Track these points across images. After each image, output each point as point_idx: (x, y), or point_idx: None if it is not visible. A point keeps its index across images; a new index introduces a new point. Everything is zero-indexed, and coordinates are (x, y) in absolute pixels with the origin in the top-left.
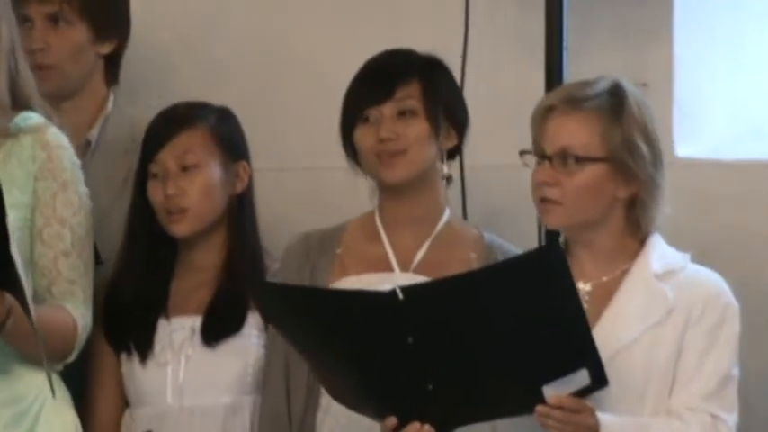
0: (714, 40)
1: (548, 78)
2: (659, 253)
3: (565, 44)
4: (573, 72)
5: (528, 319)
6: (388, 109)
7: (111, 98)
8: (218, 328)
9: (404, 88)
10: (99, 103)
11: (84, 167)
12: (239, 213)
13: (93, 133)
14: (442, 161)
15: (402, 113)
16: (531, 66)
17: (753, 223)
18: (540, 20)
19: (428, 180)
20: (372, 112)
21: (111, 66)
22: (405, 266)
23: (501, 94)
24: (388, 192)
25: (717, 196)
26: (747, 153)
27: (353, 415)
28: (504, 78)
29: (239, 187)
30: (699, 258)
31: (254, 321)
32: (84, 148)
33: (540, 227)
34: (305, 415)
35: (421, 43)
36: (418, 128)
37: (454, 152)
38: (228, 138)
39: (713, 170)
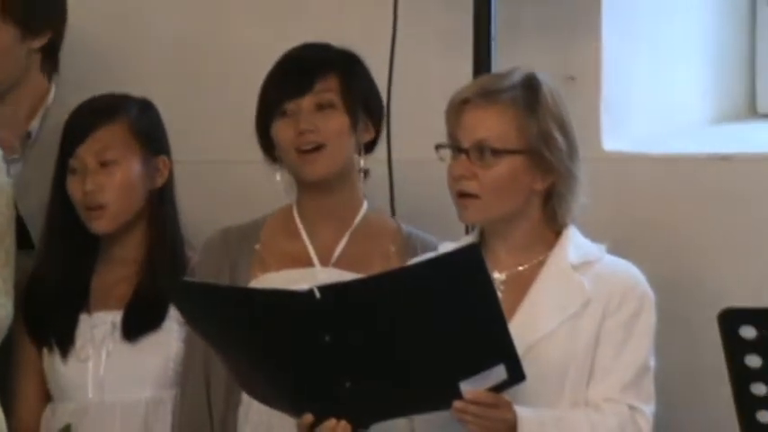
0: (642, 34)
1: (476, 73)
2: (576, 244)
3: (493, 38)
4: (501, 66)
5: (445, 317)
6: (306, 102)
7: (53, 90)
8: (138, 324)
9: (322, 81)
10: (40, 95)
11: (25, 158)
12: (160, 208)
13: (34, 125)
14: (360, 155)
15: (321, 106)
16: (459, 60)
17: (676, 216)
18: (469, 14)
19: (346, 174)
20: (290, 106)
21: (49, 57)
22: (325, 261)
23: (429, 88)
24: (306, 186)
25: (643, 190)
26: (673, 147)
27: (274, 412)
28: (432, 73)
29: (159, 181)
30: (624, 250)
31: (175, 316)
32: (24, 140)
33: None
34: (226, 411)
35: (349, 38)
36: (337, 121)
37: (371, 145)
38: (148, 132)
39: (639, 164)
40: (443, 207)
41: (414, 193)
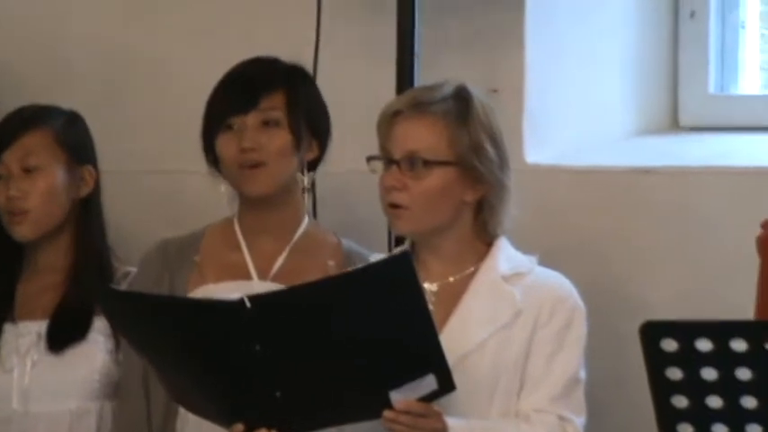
0: (565, 48)
1: (399, 85)
2: (506, 255)
3: (416, 51)
4: (424, 79)
5: (376, 327)
6: (251, 119)
7: None
8: (63, 334)
9: (268, 98)
10: None
11: None
12: (85, 217)
13: None
14: (303, 173)
15: (266, 123)
16: (382, 73)
17: (599, 229)
18: (392, 26)
19: (288, 190)
20: (236, 121)
21: None
22: (263, 275)
23: (352, 100)
24: (248, 200)
25: (565, 202)
26: (595, 160)
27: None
28: (355, 85)
29: (85, 191)
30: (548, 263)
31: (100, 326)
32: None
33: (390, 233)
34: (165, 422)
35: (272, 48)
36: (281, 139)
37: (315, 164)
38: (74, 141)
39: (562, 176)
40: (366, 220)
41: (336, 206)
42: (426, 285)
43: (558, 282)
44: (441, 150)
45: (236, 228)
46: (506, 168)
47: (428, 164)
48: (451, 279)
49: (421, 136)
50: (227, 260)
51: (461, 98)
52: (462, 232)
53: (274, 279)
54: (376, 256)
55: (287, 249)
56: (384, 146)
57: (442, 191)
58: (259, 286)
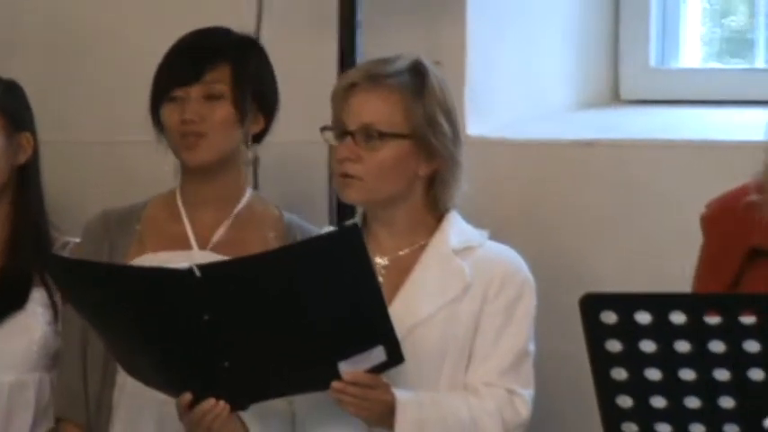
0: (507, 20)
1: (341, 56)
2: (457, 230)
3: (358, 21)
4: (366, 51)
5: (325, 297)
6: (195, 91)
7: None
8: (1, 306)
9: (213, 72)
10: None
11: None
12: (23, 185)
13: None
14: (248, 145)
15: (209, 97)
16: (324, 44)
17: (540, 201)
18: None
19: (231, 162)
20: (179, 92)
21: None
22: (203, 245)
23: (294, 71)
24: (190, 171)
25: (506, 175)
26: (536, 133)
27: (149, 393)
28: (297, 56)
29: (22, 158)
30: (491, 235)
31: (38, 298)
32: None
33: (331, 205)
34: (101, 393)
35: (217, 18)
36: (223, 112)
37: (260, 136)
38: (12, 108)
39: (503, 149)
40: (307, 191)
41: (278, 176)
42: (377, 259)
43: (508, 256)
44: (396, 123)
45: (178, 198)
46: (459, 143)
47: (383, 136)
48: (402, 253)
49: (376, 108)
50: (168, 230)
51: (417, 72)
52: (414, 206)
53: (214, 249)
54: (319, 230)
55: (228, 220)
56: (338, 117)
57: (396, 163)
58: (199, 256)
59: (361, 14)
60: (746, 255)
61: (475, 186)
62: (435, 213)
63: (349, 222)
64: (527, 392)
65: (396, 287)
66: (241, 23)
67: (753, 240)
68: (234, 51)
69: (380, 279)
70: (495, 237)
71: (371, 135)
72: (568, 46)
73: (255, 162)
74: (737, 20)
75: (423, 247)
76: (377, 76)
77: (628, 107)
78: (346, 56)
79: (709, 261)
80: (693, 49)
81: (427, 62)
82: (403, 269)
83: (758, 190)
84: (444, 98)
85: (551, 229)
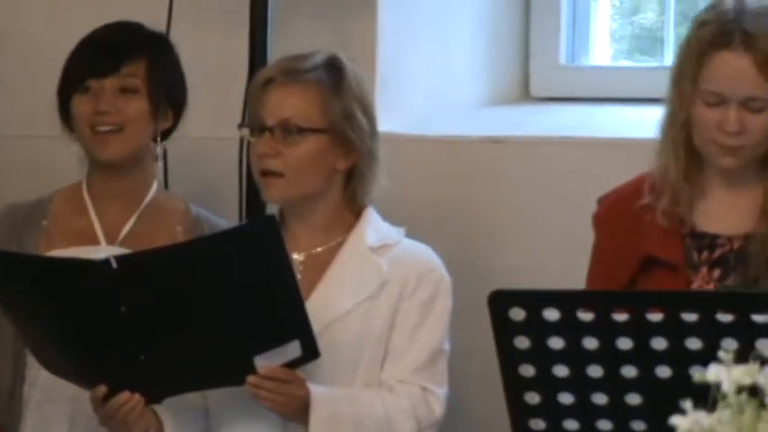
0: (418, 16)
1: (251, 53)
2: (374, 227)
3: (269, 18)
4: (277, 47)
5: (241, 291)
6: (109, 83)
7: None
8: None
9: (129, 65)
10: None
11: None
12: None
13: None
14: (156, 141)
15: (123, 90)
16: (235, 40)
17: (451, 198)
18: None
19: (139, 157)
20: (93, 84)
21: None
22: (111, 239)
23: (205, 67)
24: (98, 165)
25: (417, 171)
26: (447, 129)
27: (61, 388)
28: (208, 52)
29: None
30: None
31: None
32: None
33: (241, 201)
34: (13, 387)
35: (127, 13)
36: (138, 106)
37: (168, 132)
38: None
39: (414, 145)
40: (217, 186)
41: (188, 172)
42: (294, 255)
43: (424, 254)
44: (314, 118)
45: (85, 192)
46: (376, 138)
47: (302, 131)
48: (319, 249)
49: (294, 103)
50: (75, 225)
51: (334, 67)
52: (332, 201)
53: (122, 244)
54: (227, 223)
55: (135, 215)
56: (256, 113)
57: (315, 158)
58: (107, 251)
59: (272, 11)
60: (640, 262)
61: (386, 183)
62: (353, 209)
63: (266, 214)
64: (441, 390)
65: (313, 283)
66: (151, 19)
67: (647, 247)
68: (149, 46)
69: (298, 275)
70: (406, 233)
71: (290, 130)
72: (479, 43)
73: (164, 156)
74: (647, 17)
75: (340, 244)
76: (294, 72)
77: (538, 104)
78: (257, 53)
79: (601, 264)
80: (603, 47)
81: (343, 57)
82: (320, 265)
83: (651, 191)
84: (361, 93)
85: (462, 225)
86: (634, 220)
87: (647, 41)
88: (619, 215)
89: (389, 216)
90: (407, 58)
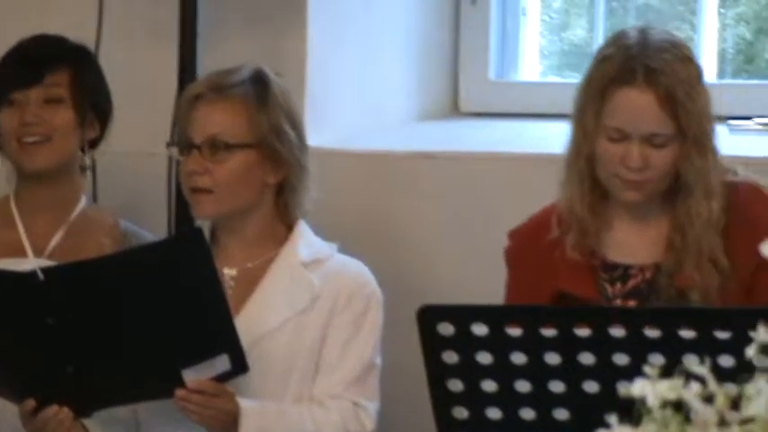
0: (348, 31)
1: (181, 66)
2: (306, 242)
3: (199, 33)
4: (207, 61)
5: (168, 303)
6: (34, 94)
7: None
8: None
9: (53, 75)
10: None
11: None
12: None
13: None
14: (83, 151)
15: (48, 100)
16: (164, 54)
17: (380, 213)
18: (175, 7)
19: (67, 169)
20: (18, 96)
21: None
22: (38, 252)
23: (134, 81)
24: (26, 177)
25: (346, 186)
26: (377, 144)
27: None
28: (137, 66)
29: None
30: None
31: None
32: None
33: (170, 216)
34: None
35: (55, 27)
36: (64, 116)
37: (95, 143)
38: None
39: (343, 160)
40: (145, 201)
41: (116, 187)
42: (226, 270)
43: (356, 269)
44: (241, 133)
45: (13, 205)
46: (305, 150)
47: (230, 147)
48: (251, 264)
49: (221, 119)
50: (3, 237)
51: (260, 81)
52: (264, 215)
53: (50, 257)
54: (155, 237)
55: (63, 227)
56: (184, 131)
57: (245, 173)
58: (34, 263)
59: (202, 26)
60: (554, 298)
61: (316, 197)
62: (285, 222)
63: (193, 226)
64: (372, 405)
65: (245, 298)
66: (81, 34)
67: (559, 284)
68: (72, 56)
69: (229, 290)
70: (338, 249)
71: (218, 146)
72: (409, 58)
73: (93, 170)
74: (576, 34)
75: (272, 259)
76: (220, 88)
77: (467, 119)
78: (186, 67)
79: (515, 300)
80: (533, 63)
81: (269, 71)
82: (252, 280)
83: (559, 224)
84: (288, 106)
85: (391, 240)
86: (545, 256)
87: (576, 58)
88: (529, 251)
89: (319, 231)
90: (337, 73)
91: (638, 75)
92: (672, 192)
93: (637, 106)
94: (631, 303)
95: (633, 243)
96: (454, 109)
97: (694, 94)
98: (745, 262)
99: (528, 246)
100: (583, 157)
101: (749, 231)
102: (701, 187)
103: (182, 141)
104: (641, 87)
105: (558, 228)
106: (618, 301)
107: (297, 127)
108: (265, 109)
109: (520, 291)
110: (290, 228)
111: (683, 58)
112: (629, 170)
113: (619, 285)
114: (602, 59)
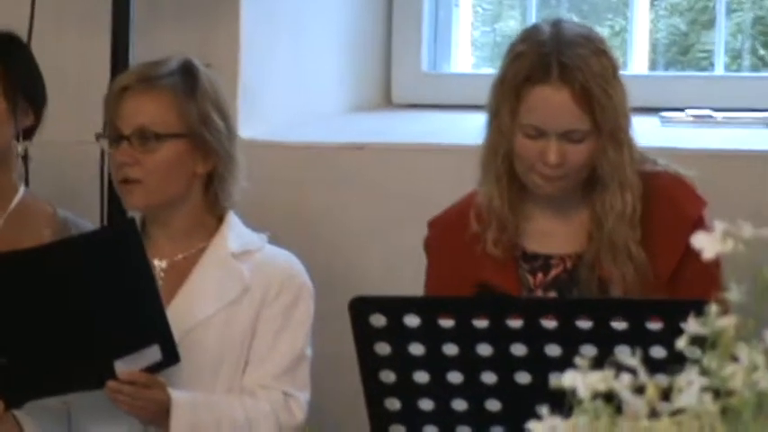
0: (280, 22)
1: (113, 57)
2: (236, 233)
3: (132, 23)
4: (140, 51)
5: (100, 294)
6: None
7: None
8: None
9: None
10: None
11: None
12: None
13: None
14: (18, 140)
15: None
16: (97, 44)
17: (314, 205)
18: None
19: (3, 158)
20: None
21: None
22: None
23: (67, 71)
24: None
25: (280, 177)
26: (310, 135)
27: None
28: (70, 55)
29: None
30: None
31: None
32: None
33: (103, 205)
34: None
35: None
36: None
37: (31, 132)
38: None
39: (277, 151)
40: (78, 191)
41: (49, 176)
42: (156, 262)
43: (286, 260)
44: (171, 123)
45: None
46: (234, 140)
47: (159, 137)
48: (181, 256)
49: (150, 110)
50: None
51: (188, 72)
52: (194, 206)
53: None
54: (92, 226)
55: (2, 218)
56: (113, 122)
57: (175, 163)
58: None
59: (134, 16)
60: (475, 288)
61: (248, 189)
62: (215, 213)
63: (126, 217)
64: (303, 396)
65: (175, 289)
66: (13, 24)
67: (480, 274)
68: (1, 46)
69: (160, 282)
70: (268, 240)
71: (147, 137)
72: (341, 50)
73: (26, 159)
74: (509, 25)
75: (202, 250)
76: (148, 78)
77: (399, 111)
78: (119, 57)
79: (435, 290)
80: (465, 54)
81: (197, 62)
82: (182, 272)
83: (478, 220)
84: (216, 96)
85: (324, 231)
86: (465, 247)
87: None
88: (450, 241)
89: (251, 223)
90: (270, 65)
91: (553, 72)
92: (591, 183)
93: (552, 104)
94: (552, 294)
95: (554, 233)
96: (387, 101)
97: (610, 89)
98: (668, 250)
99: (448, 235)
100: (500, 155)
101: (671, 220)
102: (617, 180)
103: (111, 133)
104: (556, 85)
105: (477, 223)
106: (539, 292)
107: (225, 117)
108: (194, 99)
109: (440, 280)
110: (219, 219)
111: (597, 51)
112: (547, 166)
113: (540, 276)
114: (516, 56)
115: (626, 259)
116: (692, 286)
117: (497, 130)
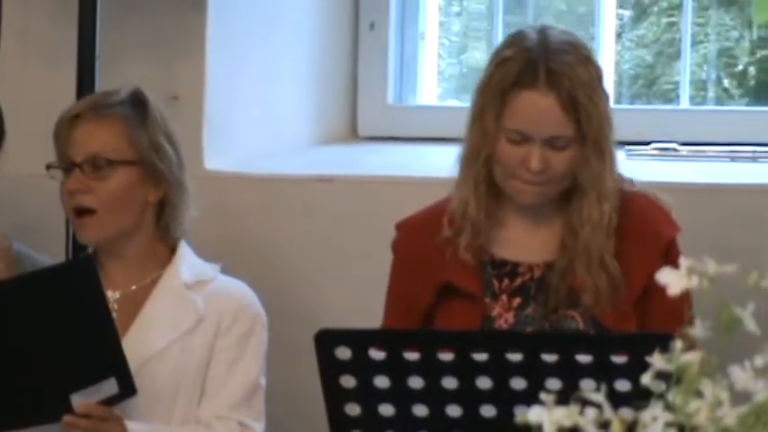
0: (246, 55)
1: (79, 89)
2: (189, 263)
3: (97, 56)
4: (105, 84)
5: (56, 329)
6: None
7: None
8: None
9: None
10: None
11: None
12: None
13: None
14: None
15: None
16: (62, 76)
17: (279, 237)
18: (73, 29)
19: None
20: None
21: None
22: None
23: (31, 103)
24: None
25: (245, 210)
26: (275, 168)
27: None
28: (35, 88)
29: None
30: (227, 270)
31: None
32: None
33: (68, 239)
34: None
35: None
36: None
37: None
38: None
39: (242, 184)
40: (42, 225)
41: (12, 210)
42: (109, 293)
43: (240, 290)
44: (122, 150)
45: None
46: (184, 169)
47: (111, 164)
48: (134, 287)
49: (102, 137)
50: None
51: (138, 101)
52: (145, 236)
53: None
54: (51, 260)
55: None
56: (64, 151)
57: (127, 191)
58: None
59: (100, 48)
60: (438, 289)
61: (212, 220)
62: (167, 243)
63: (83, 254)
64: (258, 425)
65: (129, 321)
66: None
67: (445, 276)
68: None
69: (113, 313)
70: (232, 272)
71: (100, 164)
72: (307, 83)
73: None
74: (475, 57)
75: (155, 281)
76: (99, 107)
77: (366, 143)
78: (84, 90)
79: (400, 295)
80: (431, 87)
81: (146, 92)
82: (135, 303)
83: (450, 225)
84: (165, 125)
85: (289, 264)
86: (434, 251)
87: (475, 81)
88: (417, 244)
89: (216, 256)
90: (235, 97)
91: (540, 77)
92: (567, 193)
93: (538, 109)
94: (517, 300)
95: (524, 242)
96: (352, 133)
97: (596, 97)
98: (636, 271)
99: (416, 238)
100: (481, 159)
101: (645, 236)
102: (596, 190)
103: (62, 162)
104: (543, 90)
105: (450, 228)
106: (504, 297)
107: (175, 146)
108: (144, 127)
109: (403, 282)
110: (172, 249)
111: (583, 59)
112: (529, 172)
113: (507, 281)
114: (502, 61)
115: (599, 269)
116: (663, 303)
117: (480, 133)
